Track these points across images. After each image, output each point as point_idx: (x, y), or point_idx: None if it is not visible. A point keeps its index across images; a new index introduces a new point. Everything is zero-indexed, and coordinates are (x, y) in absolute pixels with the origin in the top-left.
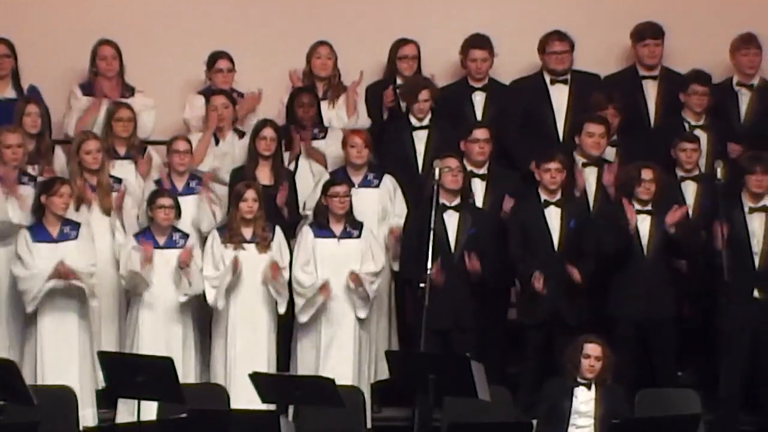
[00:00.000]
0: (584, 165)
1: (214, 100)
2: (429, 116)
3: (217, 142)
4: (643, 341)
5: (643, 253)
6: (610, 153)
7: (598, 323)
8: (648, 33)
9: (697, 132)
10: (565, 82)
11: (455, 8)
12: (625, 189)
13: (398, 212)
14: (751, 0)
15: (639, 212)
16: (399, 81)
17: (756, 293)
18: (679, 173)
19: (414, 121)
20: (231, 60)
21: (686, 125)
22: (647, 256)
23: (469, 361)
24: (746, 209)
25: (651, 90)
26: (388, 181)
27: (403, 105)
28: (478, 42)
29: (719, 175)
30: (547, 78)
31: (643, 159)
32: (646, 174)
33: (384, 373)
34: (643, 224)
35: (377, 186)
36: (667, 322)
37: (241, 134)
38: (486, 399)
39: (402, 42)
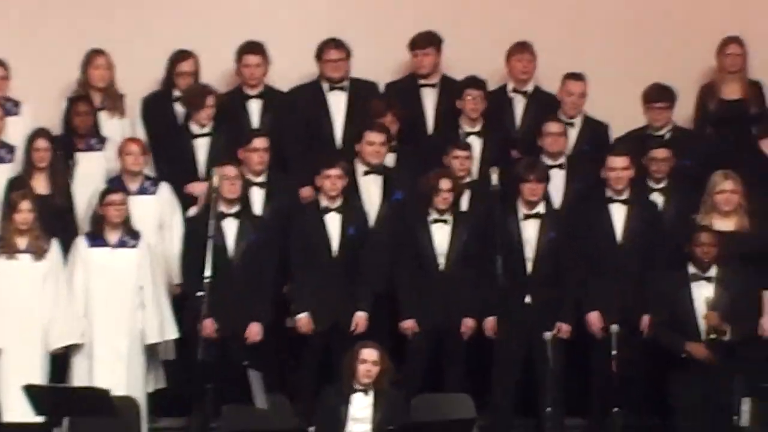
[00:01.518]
0: (366, 173)
1: None
2: (211, 124)
3: None
4: (434, 351)
5: (437, 263)
6: (390, 160)
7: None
8: (424, 41)
9: (473, 138)
10: (343, 89)
11: (234, 18)
12: (422, 199)
13: (177, 227)
14: (524, 9)
15: (437, 221)
16: (176, 93)
17: (528, 299)
18: None
19: (195, 129)
20: (5, 66)
21: (462, 132)
22: (445, 267)
23: (246, 370)
24: (520, 215)
25: (429, 98)
26: (165, 189)
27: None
28: (251, 48)
29: (494, 180)
30: (325, 85)
31: (422, 167)
32: (444, 184)
33: (162, 383)
34: (440, 233)
35: (154, 193)
36: (460, 334)
37: None
38: (263, 407)
39: (180, 55)
